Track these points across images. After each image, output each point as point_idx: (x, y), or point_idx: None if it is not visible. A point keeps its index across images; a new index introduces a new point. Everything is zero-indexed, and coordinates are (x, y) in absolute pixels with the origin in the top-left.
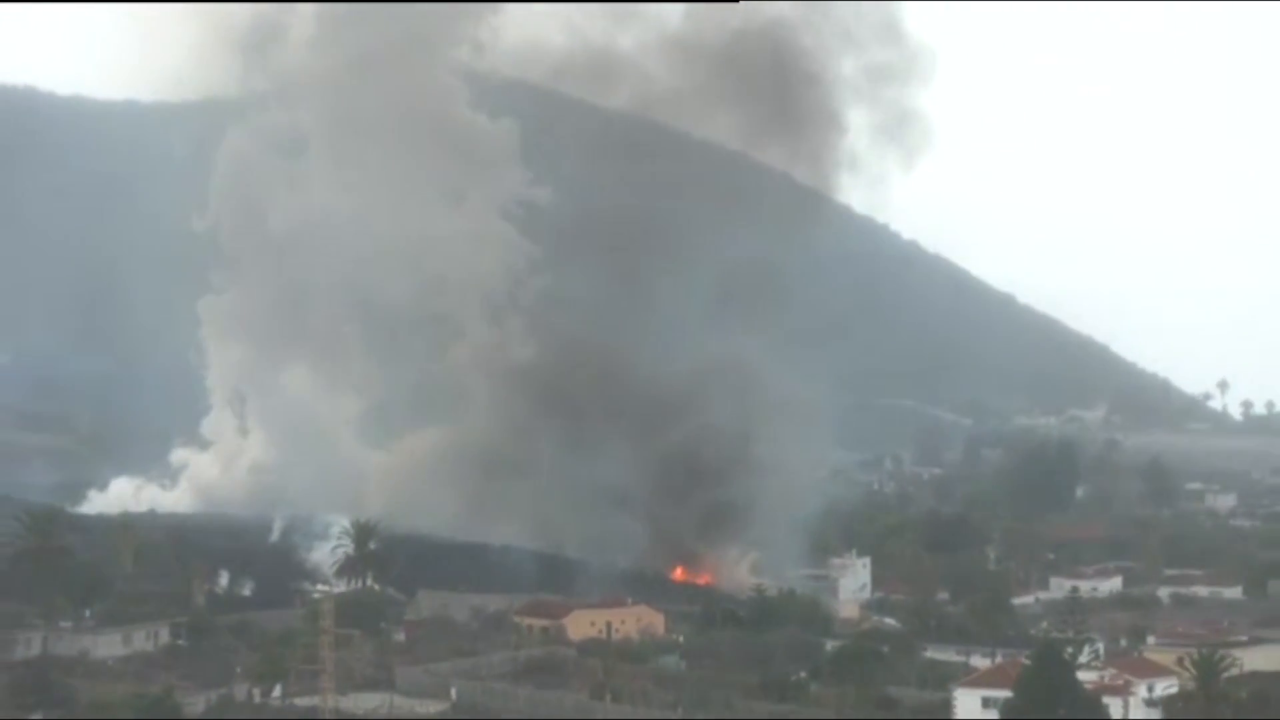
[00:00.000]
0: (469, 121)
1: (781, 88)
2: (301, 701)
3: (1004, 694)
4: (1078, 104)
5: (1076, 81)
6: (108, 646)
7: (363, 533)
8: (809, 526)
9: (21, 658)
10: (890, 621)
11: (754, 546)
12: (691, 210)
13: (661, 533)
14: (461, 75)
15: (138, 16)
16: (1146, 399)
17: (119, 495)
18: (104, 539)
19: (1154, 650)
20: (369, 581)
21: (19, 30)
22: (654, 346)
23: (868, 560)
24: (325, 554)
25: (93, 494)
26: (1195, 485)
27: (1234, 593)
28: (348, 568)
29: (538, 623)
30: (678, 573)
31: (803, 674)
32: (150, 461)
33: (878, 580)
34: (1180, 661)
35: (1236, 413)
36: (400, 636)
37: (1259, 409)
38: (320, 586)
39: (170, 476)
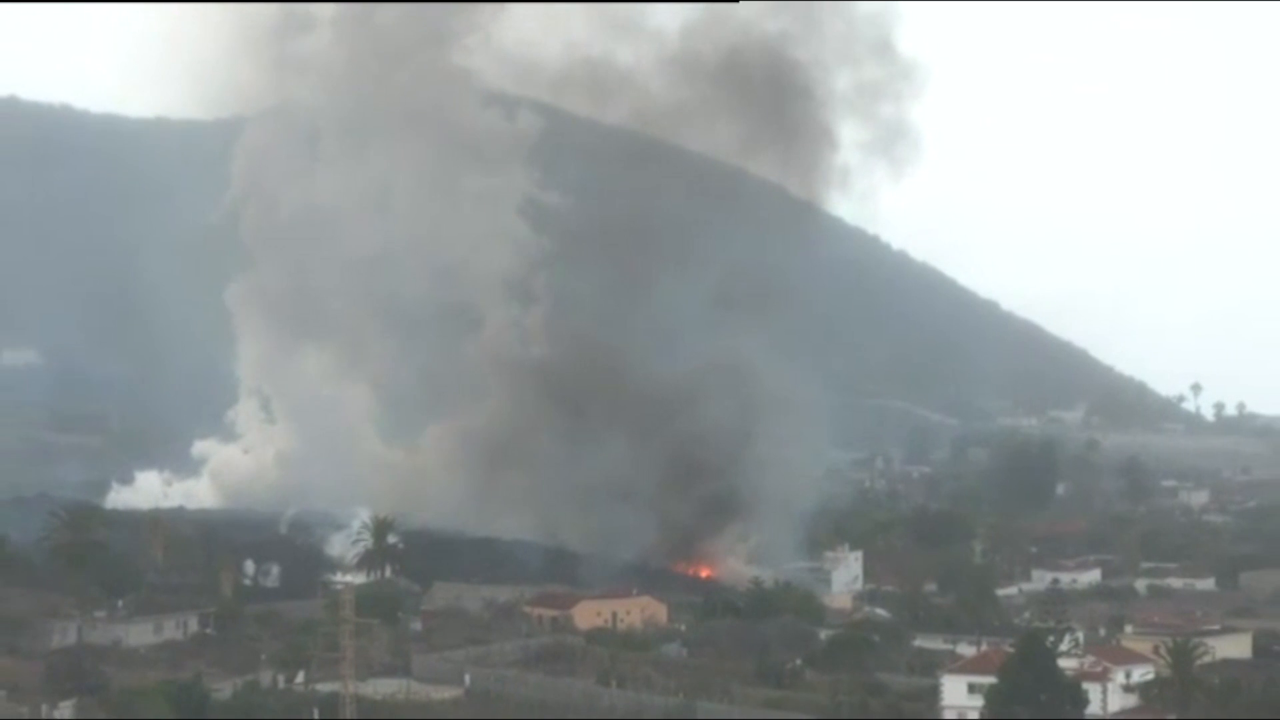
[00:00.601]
0: (485, 117)
1: (776, 103)
2: (323, 687)
3: (989, 680)
4: (1059, 122)
5: (1056, 100)
6: (139, 635)
7: (381, 527)
8: (804, 521)
9: (58, 646)
10: (881, 612)
11: (752, 539)
12: (689, 219)
13: (664, 526)
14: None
15: (166, 33)
16: (1124, 401)
17: (149, 491)
18: (135, 533)
19: (1131, 639)
20: (387, 574)
21: (58, 50)
22: (655, 347)
23: (859, 554)
24: (345, 546)
25: (121, 488)
26: (1170, 482)
27: (1206, 584)
28: (367, 560)
29: (547, 613)
30: (679, 566)
31: (798, 661)
32: (177, 458)
33: (869, 573)
34: (1156, 649)
35: (1209, 414)
36: (417, 626)
37: (1230, 410)
38: (344, 578)
39: (194, 471)
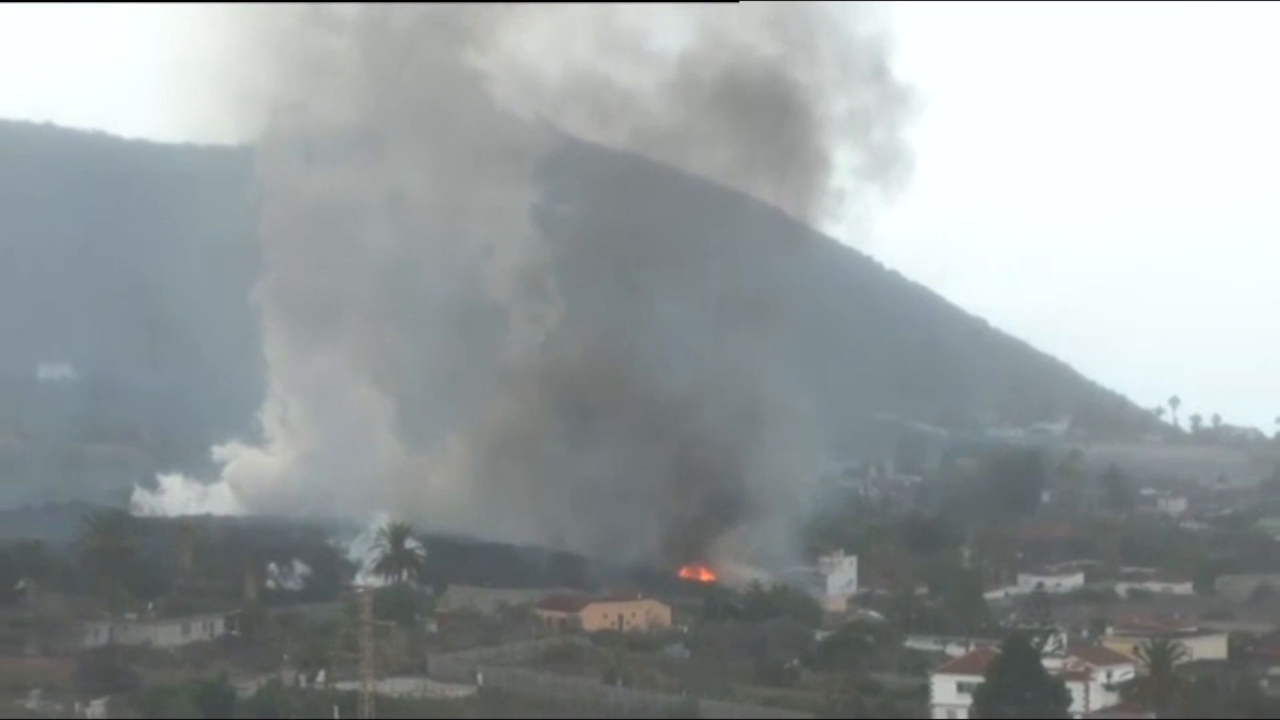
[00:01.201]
0: (496, 124)
1: (773, 127)
2: (343, 686)
3: (977, 679)
4: (1044, 148)
5: (1040, 128)
6: (168, 636)
7: (398, 533)
8: (801, 527)
9: (90, 646)
10: (874, 614)
11: (751, 544)
12: (688, 237)
13: (668, 532)
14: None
15: (190, 45)
16: (1105, 413)
17: (177, 497)
18: (164, 539)
19: (1112, 640)
20: (404, 578)
21: (91, 79)
22: (658, 358)
23: (854, 559)
24: (363, 551)
25: (150, 495)
26: (1149, 491)
27: (1184, 588)
28: (385, 565)
29: (556, 615)
30: (682, 570)
31: (795, 661)
32: (204, 466)
33: (863, 577)
34: (1136, 650)
35: (1186, 426)
36: (432, 627)
37: (1206, 422)
38: (363, 582)
39: (217, 475)
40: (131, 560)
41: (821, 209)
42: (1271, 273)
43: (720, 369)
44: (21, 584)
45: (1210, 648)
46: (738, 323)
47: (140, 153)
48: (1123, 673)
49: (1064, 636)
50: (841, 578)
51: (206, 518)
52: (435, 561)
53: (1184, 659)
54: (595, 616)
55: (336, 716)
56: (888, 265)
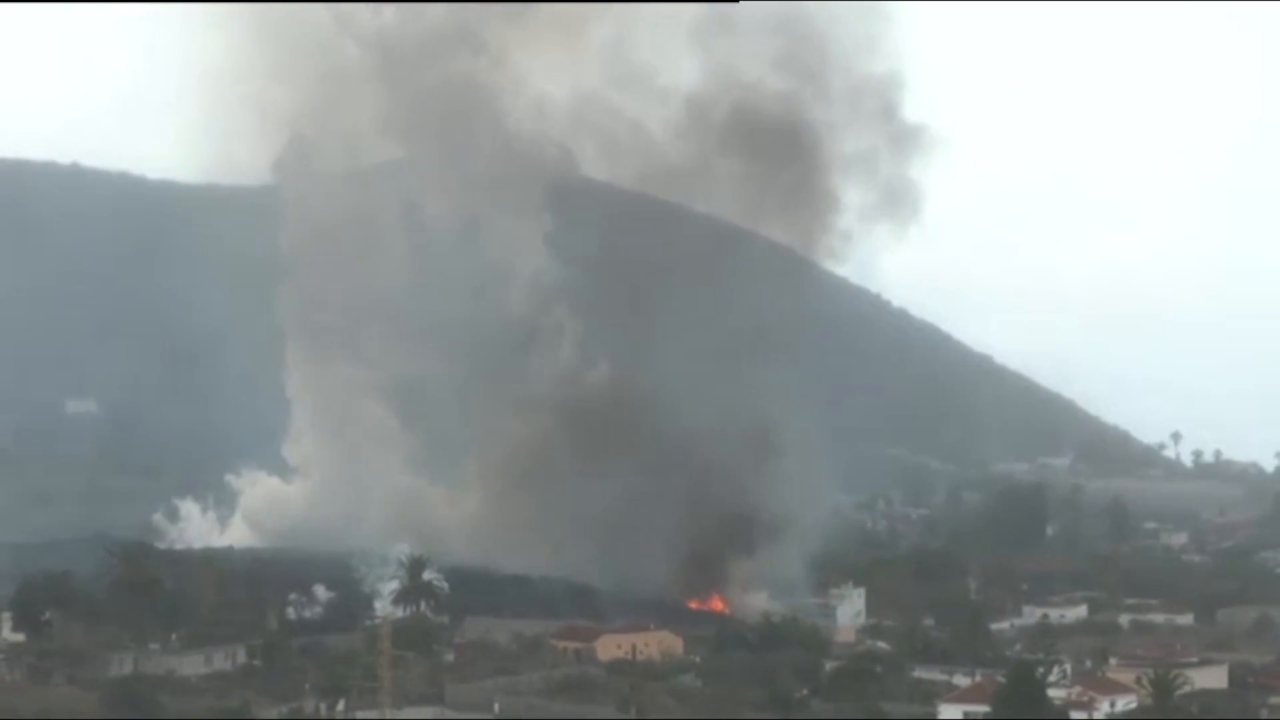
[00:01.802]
0: (511, 146)
1: (781, 167)
2: (362, 715)
3: (983, 709)
4: (1049, 192)
5: (1043, 173)
6: (191, 666)
7: (416, 565)
8: (811, 559)
9: (115, 676)
10: (882, 645)
11: (763, 575)
12: (698, 273)
13: (680, 564)
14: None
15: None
16: (1109, 448)
17: (197, 527)
18: (187, 571)
19: (1115, 670)
20: (422, 608)
21: (116, 122)
22: (671, 391)
23: (862, 590)
24: (383, 582)
25: (171, 524)
26: (1151, 524)
27: (1186, 619)
28: (403, 596)
29: (571, 645)
30: (694, 601)
31: (805, 691)
32: (227, 500)
33: (871, 608)
34: (1139, 680)
35: (1188, 461)
36: (450, 657)
37: (1208, 457)
38: (382, 613)
39: (236, 505)
40: (155, 592)
41: (830, 247)
42: (1271, 311)
43: (733, 403)
44: (48, 615)
45: (1211, 678)
46: (749, 358)
47: (165, 194)
48: (1126, 702)
49: (1068, 666)
50: (850, 609)
51: (229, 550)
52: (453, 592)
53: (1186, 689)
54: (609, 647)
55: None
56: (896, 303)
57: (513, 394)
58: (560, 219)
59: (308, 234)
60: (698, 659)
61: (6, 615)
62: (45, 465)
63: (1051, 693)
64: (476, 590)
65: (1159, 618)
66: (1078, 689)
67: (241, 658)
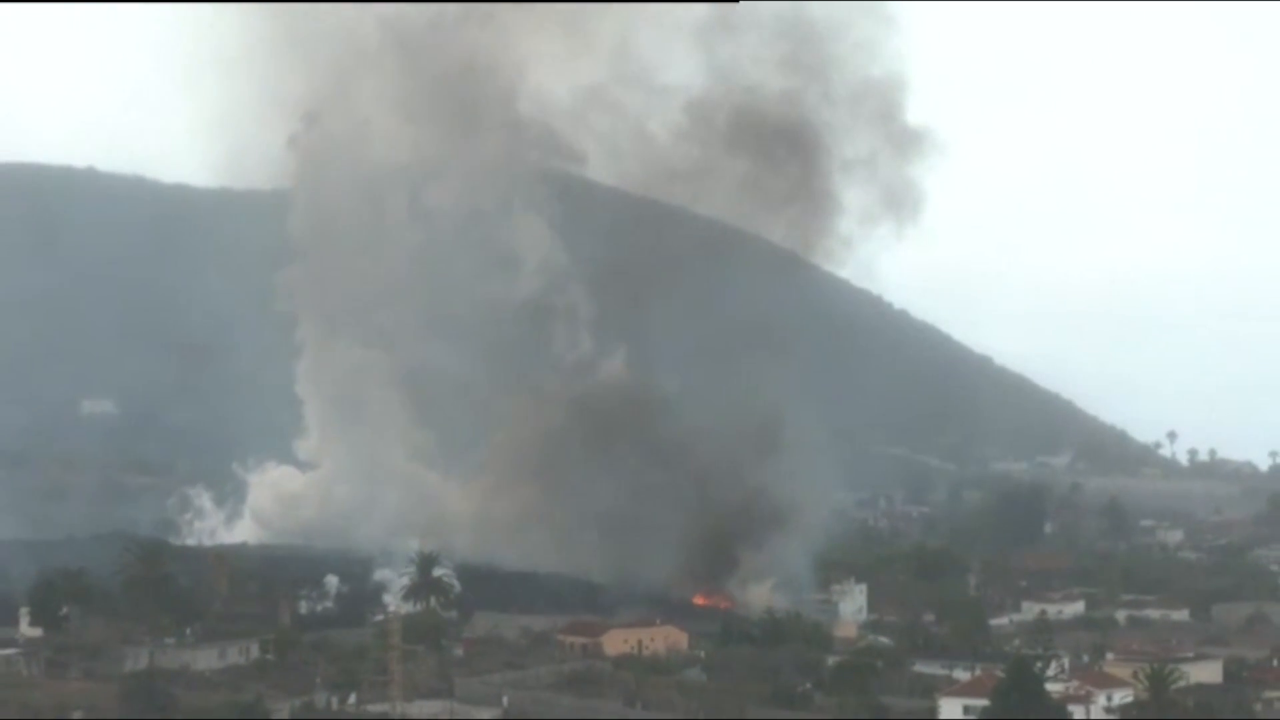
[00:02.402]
0: (522, 146)
1: (784, 170)
2: (373, 708)
3: (982, 702)
4: (1047, 192)
5: (1041, 174)
6: (205, 660)
7: (426, 561)
8: (814, 556)
9: (131, 670)
10: (883, 639)
11: (767, 574)
12: (705, 276)
13: (685, 560)
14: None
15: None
16: (1106, 447)
17: (213, 525)
18: (201, 567)
19: (1112, 665)
20: (432, 604)
21: (132, 127)
22: (676, 389)
23: (864, 586)
24: (393, 578)
25: (188, 523)
26: (1148, 522)
27: (1181, 615)
28: (413, 592)
29: (578, 640)
30: (699, 597)
31: (807, 685)
32: (236, 494)
33: (873, 604)
34: (1135, 675)
35: (1184, 459)
36: (459, 652)
37: (1203, 456)
38: (392, 608)
39: (253, 502)
40: (170, 588)
41: (832, 249)
42: (1266, 313)
43: (738, 402)
44: (65, 610)
45: (1206, 672)
46: (752, 358)
47: (178, 196)
48: (1122, 696)
49: (1066, 661)
50: (852, 605)
51: (242, 546)
52: (462, 588)
53: (1181, 683)
54: (616, 642)
55: None
56: (897, 305)
57: (521, 387)
58: (565, 219)
59: (318, 217)
60: (702, 654)
61: (24, 610)
62: (62, 463)
63: (1049, 687)
64: (485, 586)
65: (1155, 613)
66: (1075, 683)
67: (254, 652)
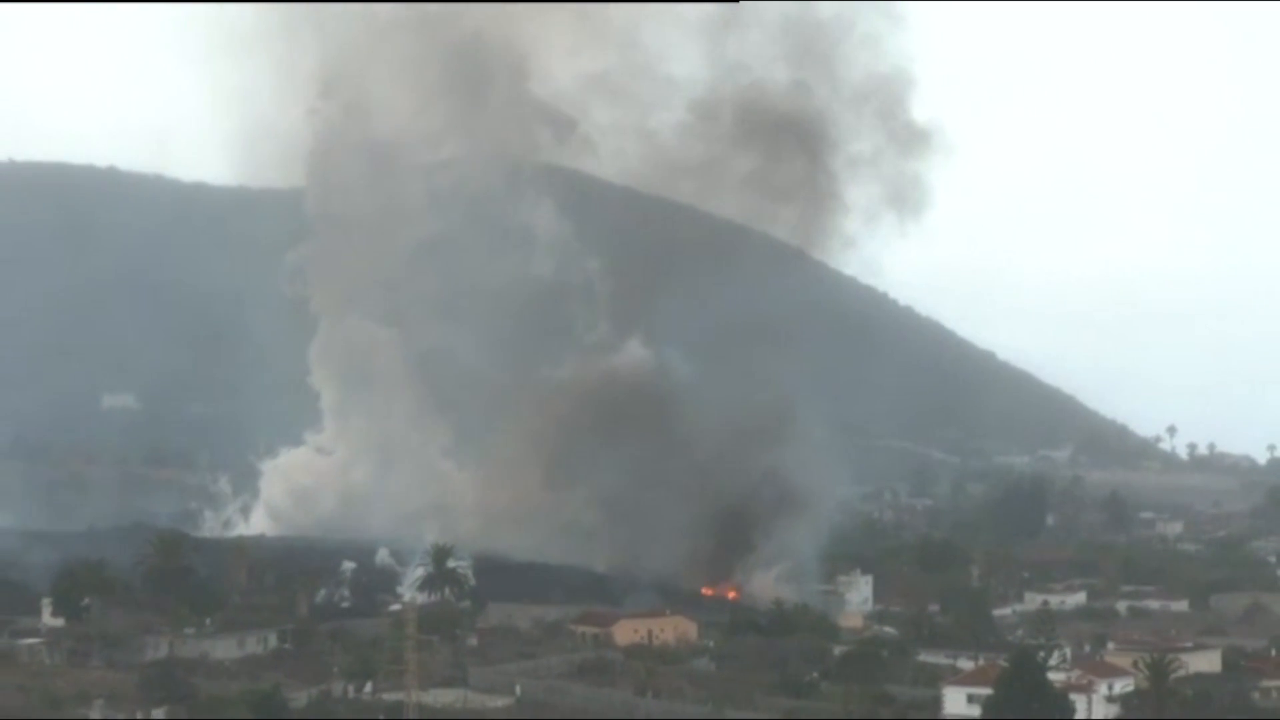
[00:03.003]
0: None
1: (789, 164)
2: (389, 696)
3: (986, 691)
4: (1049, 190)
5: (1042, 172)
6: (224, 650)
7: (441, 553)
8: (821, 548)
9: (151, 659)
10: (889, 630)
11: (775, 565)
12: (711, 274)
13: (694, 551)
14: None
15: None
16: (1107, 441)
17: (231, 516)
18: (220, 558)
19: (1113, 654)
20: (446, 594)
21: (150, 127)
22: (685, 382)
23: (870, 577)
24: (409, 570)
25: (207, 513)
26: (1148, 515)
27: (1181, 606)
28: (428, 583)
29: (590, 630)
30: (708, 588)
31: (814, 674)
32: (254, 485)
33: (878, 595)
34: (1135, 664)
35: (1183, 453)
36: (473, 641)
37: (1202, 450)
38: (407, 599)
39: (268, 492)
40: (190, 578)
41: (838, 246)
42: (1265, 310)
43: (745, 396)
44: (87, 601)
45: (1205, 662)
46: (758, 353)
47: (197, 195)
48: (1123, 685)
49: (1068, 651)
50: (858, 596)
51: (260, 537)
52: (476, 579)
53: (1181, 672)
54: (626, 632)
55: None
56: (902, 301)
57: (534, 373)
58: (573, 217)
59: (331, 194)
60: (711, 644)
61: (47, 601)
62: (83, 456)
63: (1051, 676)
64: (498, 577)
65: (1155, 604)
66: (1077, 672)
67: (272, 642)
